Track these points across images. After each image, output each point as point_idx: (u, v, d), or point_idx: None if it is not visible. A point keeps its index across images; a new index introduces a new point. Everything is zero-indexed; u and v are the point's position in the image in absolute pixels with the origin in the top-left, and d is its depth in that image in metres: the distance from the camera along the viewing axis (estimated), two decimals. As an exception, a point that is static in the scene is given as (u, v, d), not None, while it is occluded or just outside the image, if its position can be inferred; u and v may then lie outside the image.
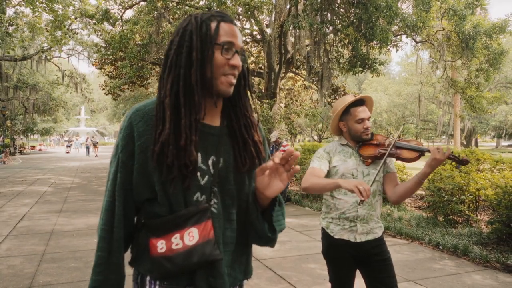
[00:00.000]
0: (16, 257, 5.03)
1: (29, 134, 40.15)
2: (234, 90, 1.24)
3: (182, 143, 1.13)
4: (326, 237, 2.33)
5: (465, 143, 34.72)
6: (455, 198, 6.22)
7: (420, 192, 9.02)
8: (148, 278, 1.23)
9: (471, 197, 6.19)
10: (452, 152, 2.12)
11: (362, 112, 2.26)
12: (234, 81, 1.20)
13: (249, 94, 1.33)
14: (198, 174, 1.19)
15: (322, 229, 2.37)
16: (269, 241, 1.33)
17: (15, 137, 34.97)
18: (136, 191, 1.21)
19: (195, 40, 1.16)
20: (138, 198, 1.22)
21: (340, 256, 2.28)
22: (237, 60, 1.18)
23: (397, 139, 2.27)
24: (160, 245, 1.18)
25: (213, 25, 1.18)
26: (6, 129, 30.82)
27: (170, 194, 1.17)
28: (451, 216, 6.49)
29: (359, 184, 1.84)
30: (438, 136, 46.27)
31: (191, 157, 1.14)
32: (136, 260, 1.26)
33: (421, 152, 2.23)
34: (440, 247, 5.45)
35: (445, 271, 4.58)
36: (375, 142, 2.30)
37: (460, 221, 6.44)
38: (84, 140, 42.40)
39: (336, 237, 2.26)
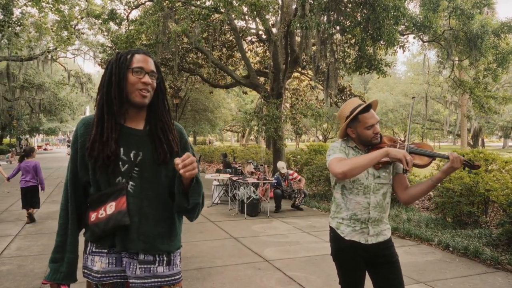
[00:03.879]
0: (26, 257, 5.05)
1: (35, 134, 40.34)
2: (153, 102, 1.70)
3: (104, 139, 1.59)
4: (336, 239, 2.29)
5: (471, 143, 34.50)
6: (464, 199, 6.17)
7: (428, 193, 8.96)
8: (89, 242, 1.69)
9: (480, 198, 6.14)
10: (464, 156, 2.13)
11: (371, 118, 2.21)
12: (147, 94, 1.64)
13: (167, 105, 1.76)
14: (120, 163, 1.62)
15: (332, 229, 2.33)
16: (188, 212, 1.69)
17: (21, 136, 35.14)
18: (79, 175, 1.68)
19: (114, 68, 1.64)
20: (81, 180, 1.68)
21: (351, 258, 2.25)
22: (147, 79, 1.63)
23: (409, 144, 2.22)
24: (93, 216, 1.64)
25: (128, 56, 1.65)
26: (12, 128, 30.98)
27: (98, 178, 1.63)
28: (460, 217, 6.45)
29: (407, 154, 2.01)
30: (445, 136, 46.03)
31: (111, 149, 1.58)
32: (85, 230, 1.71)
33: (432, 158, 2.19)
34: (450, 249, 5.41)
35: (456, 273, 4.55)
36: (385, 146, 2.25)
37: (469, 222, 6.40)
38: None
39: (347, 238, 2.23)
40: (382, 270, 2.24)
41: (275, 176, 9.03)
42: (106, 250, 1.64)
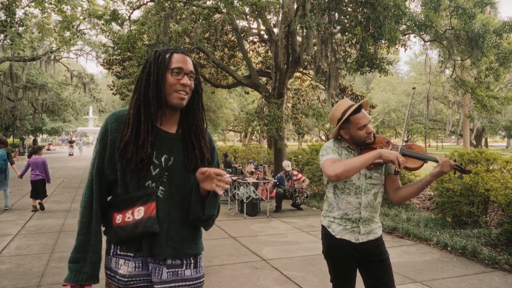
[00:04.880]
0: (25, 256, 5.08)
1: (38, 134, 40.48)
2: (188, 104, 1.62)
3: (141, 142, 1.52)
4: (327, 237, 2.32)
5: (474, 143, 34.34)
6: (464, 198, 6.15)
7: (428, 192, 8.94)
8: (112, 243, 1.61)
9: (480, 197, 6.12)
10: (455, 161, 2.14)
11: (362, 118, 2.21)
12: (185, 96, 1.57)
13: (201, 108, 1.69)
14: (151, 167, 1.56)
15: (323, 227, 2.35)
16: (202, 221, 1.64)
17: (24, 137, 35.29)
18: (106, 173, 1.59)
19: (152, 67, 1.56)
20: (108, 178, 1.60)
21: (341, 256, 2.28)
22: (186, 80, 1.56)
23: (402, 146, 2.23)
24: (118, 218, 1.56)
25: (167, 55, 1.57)
26: (16, 129, 31.12)
27: (128, 180, 1.54)
28: (459, 217, 6.43)
29: (400, 156, 2.03)
30: (447, 136, 45.84)
31: (146, 152, 1.52)
32: (106, 230, 1.64)
33: (424, 161, 2.20)
34: (449, 248, 5.40)
35: (453, 273, 4.54)
36: (378, 146, 2.26)
37: (469, 222, 6.38)
38: (92, 139, 42.34)
39: (338, 236, 2.26)
40: (373, 268, 2.26)
41: (278, 175, 9.04)
42: (132, 254, 1.58)
